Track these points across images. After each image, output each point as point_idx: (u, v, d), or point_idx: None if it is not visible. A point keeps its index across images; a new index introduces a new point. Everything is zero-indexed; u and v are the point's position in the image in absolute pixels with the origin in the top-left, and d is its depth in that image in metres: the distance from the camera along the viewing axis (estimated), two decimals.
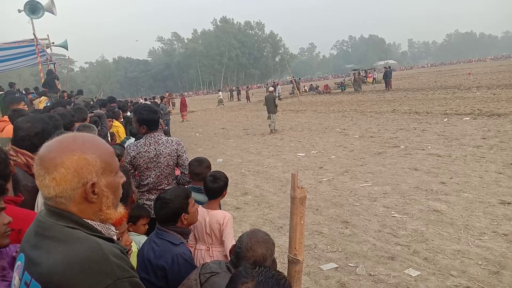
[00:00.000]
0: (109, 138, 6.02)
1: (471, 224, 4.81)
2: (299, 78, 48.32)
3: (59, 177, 1.08)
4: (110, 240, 1.14)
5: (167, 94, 32.57)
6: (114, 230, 1.23)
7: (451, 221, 4.96)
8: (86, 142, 1.15)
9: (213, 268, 1.88)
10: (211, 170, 3.27)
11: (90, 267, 1.00)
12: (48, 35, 18.31)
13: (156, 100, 26.01)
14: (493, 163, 7.32)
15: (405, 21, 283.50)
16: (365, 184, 6.94)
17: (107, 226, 1.19)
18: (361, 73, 43.85)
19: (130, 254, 2.13)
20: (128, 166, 3.38)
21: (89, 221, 1.13)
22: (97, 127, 5.38)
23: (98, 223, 1.16)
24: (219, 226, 2.83)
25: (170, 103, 40.78)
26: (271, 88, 17.92)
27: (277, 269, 3.18)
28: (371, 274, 3.92)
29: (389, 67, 36.03)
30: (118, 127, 7.48)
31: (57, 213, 1.11)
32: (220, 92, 45.72)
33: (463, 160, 7.77)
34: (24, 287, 1.06)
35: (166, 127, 14.05)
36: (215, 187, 2.87)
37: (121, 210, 1.23)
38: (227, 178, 2.97)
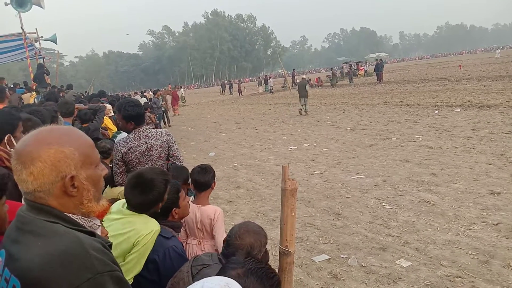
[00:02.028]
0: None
1: (462, 214, 4.86)
2: (293, 70, 48.21)
3: (36, 171, 1.05)
4: (92, 234, 1.13)
5: (169, 86, 32.39)
6: (98, 224, 1.21)
7: (441, 211, 5.01)
8: (63, 134, 1.13)
9: (205, 260, 1.87)
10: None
11: (69, 261, 0.99)
12: (36, 29, 18.03)
13: (146, 94, 25.86)
14: (483, 154, 7.39)
15: (396, 14, 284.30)
16: (356, 176, 6.97)
17: (89, 220, 1.17)
18: (353, 66, 43.97)
19: None
20: (119, 163, 3.34)
21: (70, 215, 1.11)
22: (91, 120, 5.36)
23: (80, 216, 1.14)
24: (210, 221, 2.81)
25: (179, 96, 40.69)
26: (304, 76, 21.82)
27: (269, 261, 3.19)
28: (362, 265, 3.95)
29: (381, 59, 36.12)
30: (108, 122, 7.43)
31: (36, 207, 1.09)
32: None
33: (454, 151, 7.83)
34: (4, 284, 1.04)
35: (157, 122, 13.96)
36: (204, 179, 2.84)
37: (103, 203, 1.21)
38: (213, 170, 2.94)
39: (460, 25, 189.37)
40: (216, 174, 3.00)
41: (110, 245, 1.19)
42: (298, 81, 20.26)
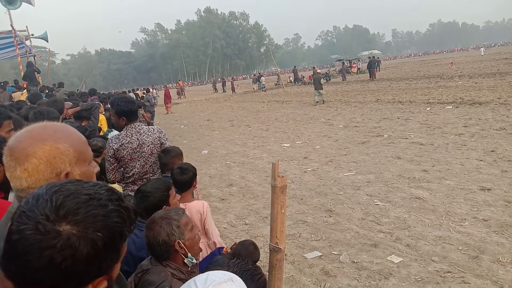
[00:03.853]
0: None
1: (452, 210, 4.90)
2: (294, 67, 48.31)
3: (31, 168, 1.05)
4: None
5: (180, 82, 32.30)
6: None
7: (433, 208, 5.04)
8: (58, 131, 1.12)
9: (144, 266, 1.84)
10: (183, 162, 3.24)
11: None
12: (27, 26, 17.91)
13: (138, 91, 25.66)
14: (474, 150, 7.44)
15: (389, 11, 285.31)
16: (349, 173, 7.00)
17: None
18: (346, 63, 44.12)
19: None
20: (111, 159, 3.34)
21: None
22: (87, 119, 5.31)
23: None
24: (200, 216, 2.82)
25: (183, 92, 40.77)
26: (319, 70, 25.71)
27: (260, 258, 3.19)
28: (354, 261, 3.96)
29: (373, 57, 36.27)
30: (101, 120, 7.39)
31: None
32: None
33: (445, 148, 7.89)
34: None
35: (151, 121, 13.90)
36: (184, 179, 2.84)
37: None
38: (195, 169, 2.95)
39: (452, 23, 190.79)
40: (209, 172, 3.02)
41: None
42: (314, 75, 22.03)
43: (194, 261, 1.77)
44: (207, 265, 1.73)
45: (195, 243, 1.85)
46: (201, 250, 2.02)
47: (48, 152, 1.06)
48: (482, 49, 58.48)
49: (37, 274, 0.70)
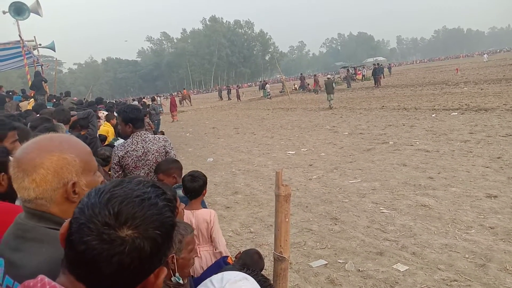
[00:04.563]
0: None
1: (458, 218, 4.86)
2: (301, 74, 48.62)
3: (39, 178, 1.07)
4: None
5: (185, 91, 32.59)
6: None
7: (438, 215, 5.01)
8: (64, 142, 1.15)
9: None
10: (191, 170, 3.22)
11: None
12: (34, 36, 18.14)
13: (145, 100, 25.85)
14: (480, 157, 7.40)
15: (394, 18, 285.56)
16: (354, 181, 6.98)
17: None
18: (350, 71, 44.18)
19: None
20: (116, 167, 3.37)
21: None
22: (85, 127, 5.35)
23: None
24: (207, 225, 2.82)
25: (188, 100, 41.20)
26: (329, 76, 27.99)
27: (265, 267, 3.19)
28: (360, 270, 3.94)
29: (378, 64, 36.31)
30: (109, 128, 7.45)
31: (38, 215, 1.10)
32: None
33: (451, 155, 7.85)
34: None
35: (156, 128, 13.98)
36: (194, 186, 2.85)
37: None
38: (205, 177, 2.95)
39: (457, 29, 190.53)
40: (214, 180, 3.03)
41: None
42: (325, 79, 23.67)
43: (181, 281, 1.75)
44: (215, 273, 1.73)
45: (187, 266, 1.82)
46: (189, 275, 1.98)
47: (56, 162, 1.09)
48: (485, 55, 58.49)
49: (107, 277, 0.75)
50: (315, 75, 40.25)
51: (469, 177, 6.33)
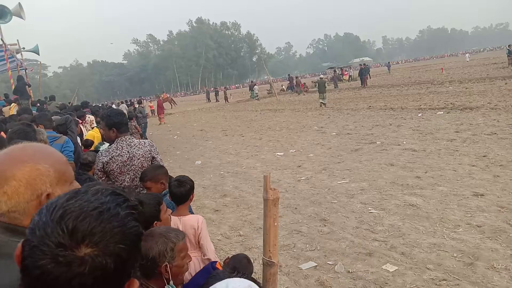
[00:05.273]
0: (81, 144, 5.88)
1: (446, 217, 4.90)
2: (289, 75, 48.78)
3: (10, 191, 1.02)
4: None
5: (165, 94, 32.25)
6: None
7: (426, 214, 5.04)
8: (37, 151, 1.10)
9: None
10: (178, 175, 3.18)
11: None
12: (18, 40, 17.85)
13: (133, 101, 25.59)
14: (466, 156, 7.48)
15: (379, 19, 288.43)
16: (342, 181, 7.00)
17: None
18: (337, 71, 44.47)
19: None
20: (99, 173, 3.31)
21: None
22: (64, 134, 5.26)
23: None
24: (194, 231, 2.78)
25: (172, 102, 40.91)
26: (322, 75, 30.44)
27: (255, 270, 3.16)
28: (349, 271, 3.94)
29: (365, 64, 36.61)
30: (96, 133, 7.36)
31: (11, 229, 1.05)
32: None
33: (438, 154, 7.92)
34: None
35: (142, 132, 13.84)
36: (181, 192, 2.80)
37: None
38: (192, 181, 2.90)
39: (442, 29, 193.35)
40: (202, 183, 2.99)
41: None
42: (318, 79, 24.40)
43: None
44: (206, 278, 1.72)
45: (181, 272, 1.80)
46: (183, 282, 1.96)
47: (28, 173, 1.04)
48: (467, 55, 59.89)
49: None
50: (296, 77, 40.31)
51: (456, 176, 6.39)
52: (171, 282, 1.70)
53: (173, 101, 43.54)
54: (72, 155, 4.59)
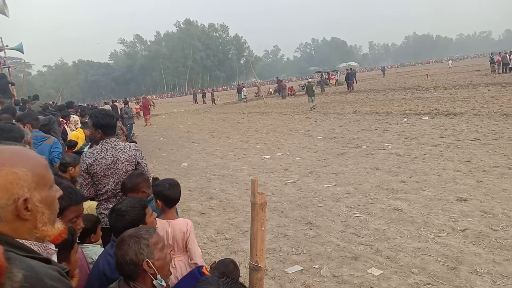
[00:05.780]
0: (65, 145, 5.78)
1: (430, 221, 4.95)
2: (277, 77, 48.77)
3: None
4: (47, 260, 1.06)
5: (145, 97, 31.80)
6: (53, 248, 1.15)
7: (411, 219, 5.09)
8: (14, 154, 1.06)
9: None
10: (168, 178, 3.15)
11: None
12: (1, 37, 17.56)
13: (117, 103, 25.34)
14: (450, 161, 7.59)
15: (366, 24, 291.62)
16: (328, 185, 7.02)
17: (44, 245, 1.10)
18: (324, 75, 44.73)
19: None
20: (85, 174, 3.25)
21: (23, 241, 1.04)
22: (47, 132, 5.17)
23: (34, 242, 1.07)
24: (183, 235, 2.75)
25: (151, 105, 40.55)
26: (310, 79, 31.28)
27: (241, 274, 3.14)
28: (335, 275, 3.95)
29: (351, 68, 36.94)
30: (80, 134, 7.24)
31: None
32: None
33: (422, 158, 8.02)
34: None
35: (128, 132, 13.71)
36: (172, 194, 2.78)
37: (59, 226, 1.13)
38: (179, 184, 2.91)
39: (427, 35, 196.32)
40: (188, 186, 2.98)
41: (67, 272, 1.12)
42: (306, 83, 25.56)
43: (164, 284, 1.71)
44: (195, 283, 1.70)
45: (166, 264, 1.78)
46: (171, 274, 1.94)
47: (4, 177, 1.01)
48: (449, 61, 61.33)
49: None
50: (281, 81, 40.38)
51: (440, 181, 6.47)
52: (159, 276, 1.69)
53: (153, 103, 43.22)
54: (61, 156, 4.51)
